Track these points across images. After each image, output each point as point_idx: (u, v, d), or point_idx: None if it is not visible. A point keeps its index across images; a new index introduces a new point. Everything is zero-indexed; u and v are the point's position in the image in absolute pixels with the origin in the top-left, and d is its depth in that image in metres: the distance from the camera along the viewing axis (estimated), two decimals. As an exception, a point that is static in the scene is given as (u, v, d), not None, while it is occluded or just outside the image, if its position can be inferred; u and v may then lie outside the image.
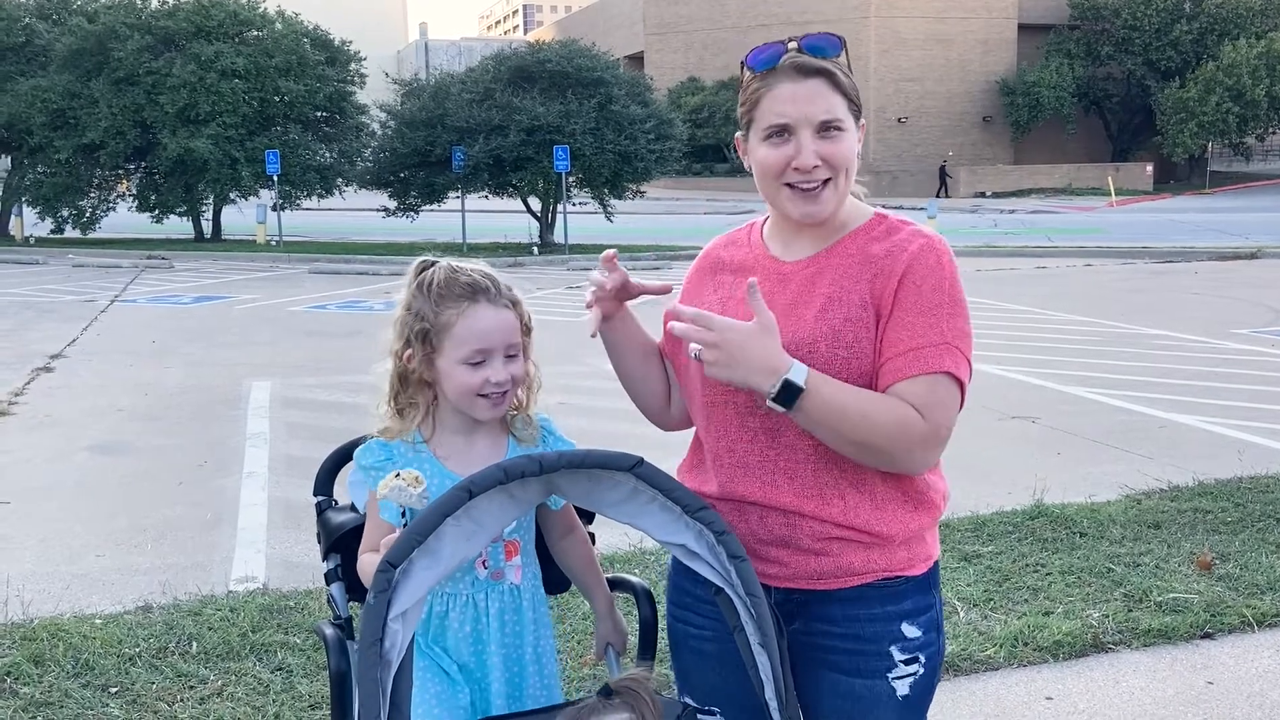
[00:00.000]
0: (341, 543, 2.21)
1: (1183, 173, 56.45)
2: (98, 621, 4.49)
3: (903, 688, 2.01)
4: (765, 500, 1.98)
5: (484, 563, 2.07)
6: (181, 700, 3.87)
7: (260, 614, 4.54)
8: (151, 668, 4.09)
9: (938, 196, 47.19)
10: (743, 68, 2.02)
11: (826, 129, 1.93)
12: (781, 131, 1.94)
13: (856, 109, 1.99)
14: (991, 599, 4.71)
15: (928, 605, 2.04)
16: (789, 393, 1.83)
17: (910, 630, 2.01)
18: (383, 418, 2.10)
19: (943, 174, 49.90)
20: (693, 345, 1.86)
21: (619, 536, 5.01)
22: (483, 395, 2.03)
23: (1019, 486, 6.33)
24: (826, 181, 1.94)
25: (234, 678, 4.02)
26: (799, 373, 1.84)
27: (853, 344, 1.92)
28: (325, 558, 2.25)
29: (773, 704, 1.83)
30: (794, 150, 1.94)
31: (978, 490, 6.20)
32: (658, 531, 1.89)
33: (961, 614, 4.56)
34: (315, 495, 2.36)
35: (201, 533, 5.95)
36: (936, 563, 2.07)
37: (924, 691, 2.04)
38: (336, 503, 2.33)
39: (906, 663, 2.00)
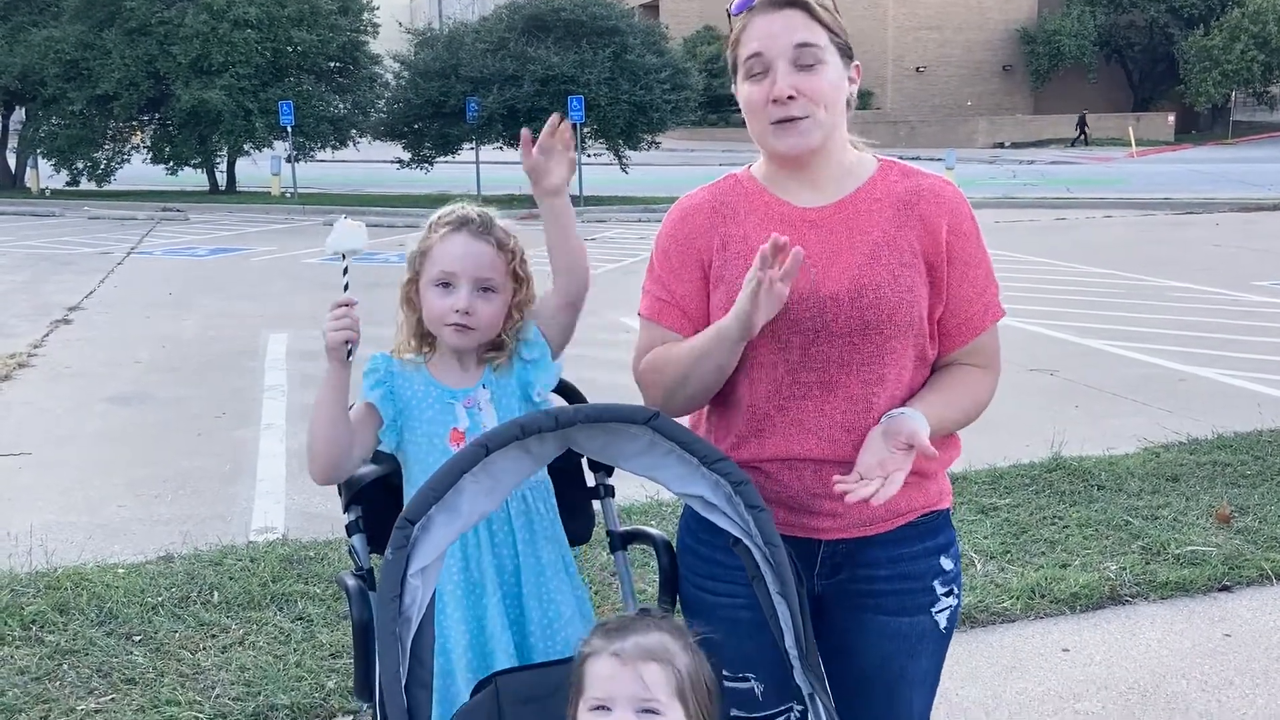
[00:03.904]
0: (363, 495, 2.22)
1: (1205, 122, 55.71)
2: (120, 571, 4.54)
3: (943, 620, 2.08)
4: (823, 455, 1.97)
5: (460, 439, 2.09)
6: (204, 648, 3.92)
7: (280, 564, 4.58)
8: (174, 616, 4.14)
9: (1074, 145, 46.59)
10: (729, 19, 2.02)
11: (803, 59, 1.91)
12: (760, 65, 1.93)
13: (843, 45, 1.97)
14: (1009, 551, 4.72)
15: (954, 537, 2.14)
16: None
17: (947, 563, 2.09)
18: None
19: (1082, 122, 49.03)
20: None
21: (635, 489, 5.03)
22: (448, 324, 2.08)
23: (1037, 439, 6.31)
24: (808, 116, 1.93)
25: (255, 627, 4.06)
26: (923, 427, 1.90)
27: (911, 288, 1.96)
28: (346, 509, 2.26)
29: (793, 652, 1.84)
30: (771, 83, 1.93)
31: (995, 443, 6.18)
32: (675, 483, 1.89)
33: (979, 566, 4.57)
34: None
35: (221, 484, 6.00)
36: None
37: (955, 622, 2.12)
38: (357, 455, 2.33)
39: (946, 595, 2.08)
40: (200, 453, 6.56)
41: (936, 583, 2.06)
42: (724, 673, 2.12)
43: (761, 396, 2.00)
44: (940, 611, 2.07)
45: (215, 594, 4.32)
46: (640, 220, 21.14)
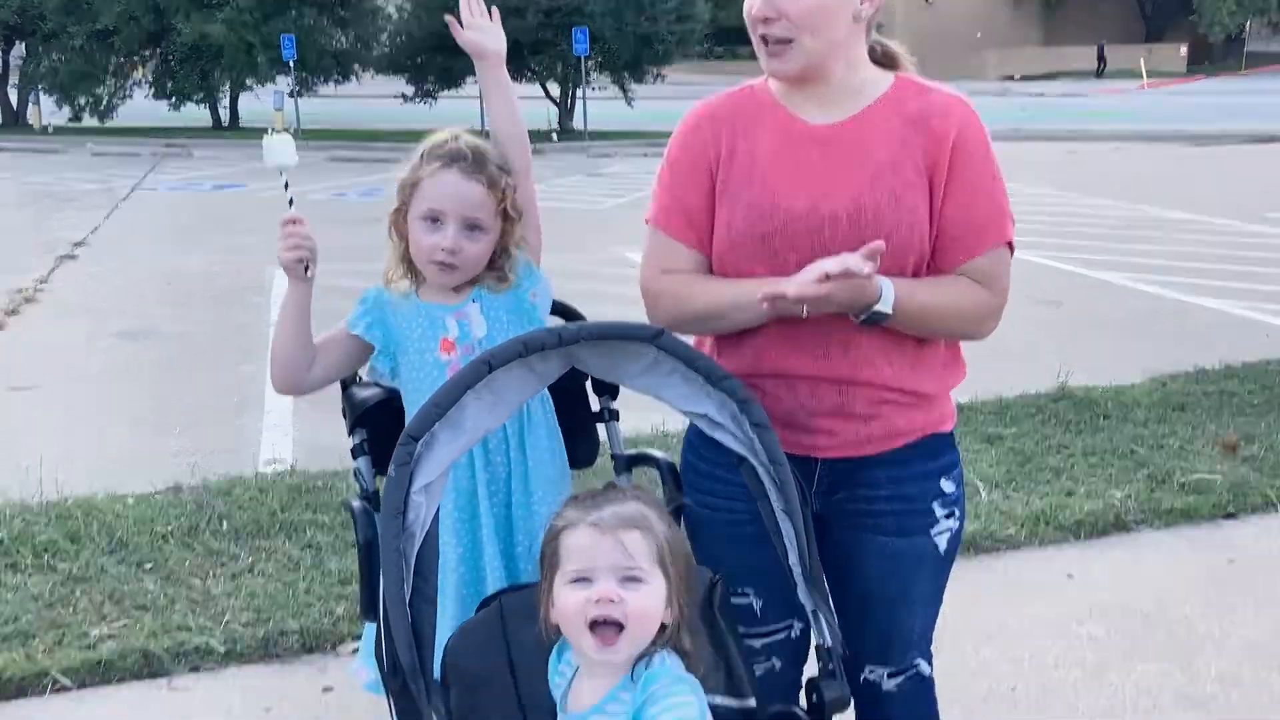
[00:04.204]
0: (367, 417, 2.22)
1: (1218, 54, 54.82)
2: (130, 501, 4.57)
3: (942, 543, 2.08)
4: (818, 373, 1.97)
5: (450, 347, 2.08)
6: (214, 576, 3.95)
7: (289, 494, 4.61)
8: (184, 545, 4.17)
9: (1096, 76, 47.01)
10: None
11: None
12: None
13: None
14: (1014, 479, 4.73)
15: (957, 460, 2.11)
16: (875, 318, 1.88)
17: (947, 485, 2.07)
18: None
19: (1101, 53, 49.33)
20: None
21: (640, 418, 5.02)
22: (433, 261, 2.07)
23: (1043, 369, 6.29)
24: (792, 40, 1.90)
25: (264, 555, 4.10)
26: (886, 300, 1.86)
27: (913, 207, 1.93)
28: (351, 432, 2.26)
29: (796, 570, 1.84)
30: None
31: (1001, 373, 6.15)
32: (680, 402, 1.88)
33: (984, 494, 4.58)
34: (340, 372, 2.36)
35: (229, 417, 6.02)
36: None
37: (956, 545, 2.11)
38: (361, 379, 2.33)
39: (946, 517, 2.07)
40: (207, 386, 6.57)
41: (936, 504, 2.05)
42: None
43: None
44: (940, 534, 2.06)
45: (224, 523, 4.35)
46: (645, 155, 20.94)
